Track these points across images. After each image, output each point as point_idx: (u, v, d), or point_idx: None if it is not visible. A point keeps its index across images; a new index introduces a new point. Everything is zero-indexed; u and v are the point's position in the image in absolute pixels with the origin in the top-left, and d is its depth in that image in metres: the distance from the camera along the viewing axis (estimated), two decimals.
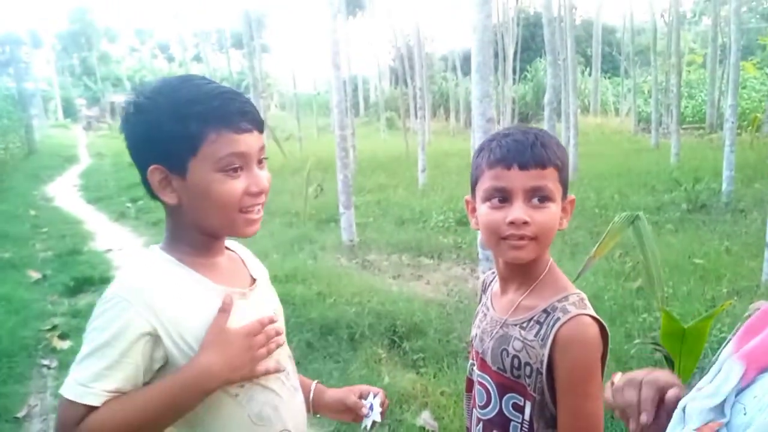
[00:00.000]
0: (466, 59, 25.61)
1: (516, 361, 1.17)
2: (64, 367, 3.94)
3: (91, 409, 0.97)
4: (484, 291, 1.40)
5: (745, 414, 0.67)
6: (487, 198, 1.17)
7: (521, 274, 1.22)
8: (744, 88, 17.50)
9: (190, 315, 1.05)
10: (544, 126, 8.95)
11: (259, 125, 1.07)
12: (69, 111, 44.44)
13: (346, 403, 1.31)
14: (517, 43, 19.93)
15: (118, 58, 54.80)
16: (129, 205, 10.33)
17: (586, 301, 1.17)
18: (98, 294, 5.62)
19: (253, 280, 1.21)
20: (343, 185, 6.78)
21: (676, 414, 0.77)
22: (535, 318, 1.17)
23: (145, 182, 1.08)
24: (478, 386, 1.27)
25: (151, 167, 1.04)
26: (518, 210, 1.12)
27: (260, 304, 1.17)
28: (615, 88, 26.68)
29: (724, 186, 8.10)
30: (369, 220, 8.02)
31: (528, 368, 1.15)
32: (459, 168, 12.35)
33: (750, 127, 13.94)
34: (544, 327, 1.14)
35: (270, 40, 40.81)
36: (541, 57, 28.25)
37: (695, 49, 27.91)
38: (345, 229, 6.83)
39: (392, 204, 9.05)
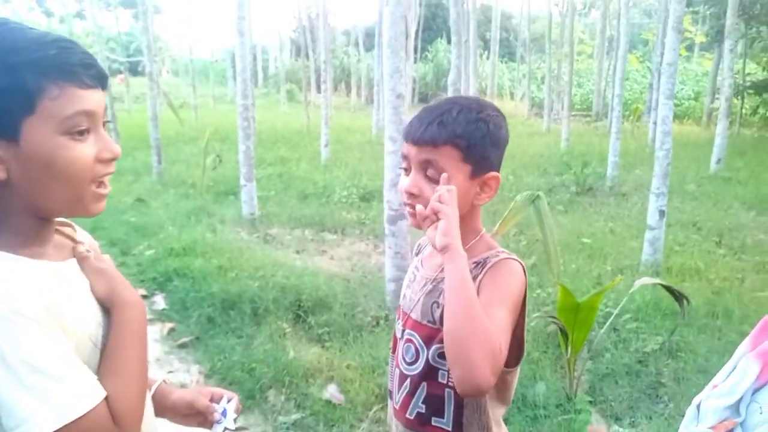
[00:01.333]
0: (369, 35, 25.57)
1: None
2: None
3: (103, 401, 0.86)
4: (416, 254, 1.44)
5: (761, 413, 0.68)
6: (401, 165, 1.25)
7: None
8: (627, 79, 18.71)
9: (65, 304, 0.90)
10: None
11: (103, 81, 0.91)
12: None
13: (196, 406, 1.17)
14: (419, 23, 20.09)
15: None
16: None
17: (516, 257, 1.23)
18: None
19: None
20: (244, 156, 6.59)
21: (691, 411, 0.78)
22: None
23: None
24: (406, 343, 1.30)
25: None
26: (408, 181, 1.20)
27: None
28: (511, 73, 27.66)
29: (609, 171, 8.67)
30: (270, 193, 7.86)
31: None
32: (361, 144, 12.36)
33: (632, 117, 14.97)
34: (476, 271, 1.18)
35: (161, 0, 38.62)
36: (441, 37, 28.75)
37: (584, 39, 29.44)
38: (246, 202, 6.65)
39: (294, 178, 8.92)
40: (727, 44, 10.20)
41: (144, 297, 4.42)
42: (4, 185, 0.86)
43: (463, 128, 1.17)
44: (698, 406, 0.78)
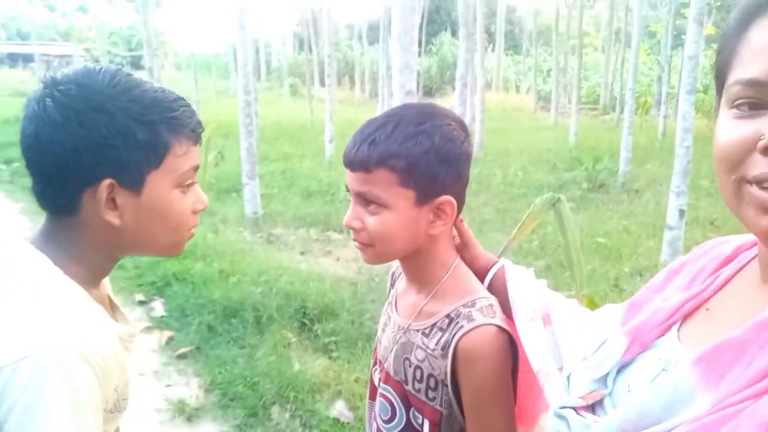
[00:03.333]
0: (371, 28, 25.32)
1: (418, 373, 1.05)
2: None
3: None
4: (392, 285, 1.24)
5: (629, 391, 0.69)
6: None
7: (418, 274, 1.09)
8: None
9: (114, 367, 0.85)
10: (455, 101, 8.90)
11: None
12: None
13: None
14: (423, 15, 19.87)
15: None
16: (2, 167, 9.34)
17: (496, 308, 1.02)
18: None
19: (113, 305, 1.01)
20: (247, 154, 6.39)
21: (562, 382, 0.78)
22: (438, 324, 1.03)
23: (61, 196, 0.86)
24: (381, 398, 1.13)
25: (107, 181, 0.84)
26: (348, 214, 1.04)
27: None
28: (516, 66, 27.41)
29: (621, 166, 8.44)
30: (274, 191, 7.67)
31: (432, 380, 1.03)
32: None
33: (640, 110, 14.71)
34: (447, 334, 1.00)
35: None
36: (445, 30, 28.49)
37: (589, 32, 29.12)
38: (249, 200, 6.46)
39: (298, 175, 8.72)
40: None
41: (142, 303, 4.24)
42: (110, 228, 0.87)
43: (399, 145, 0.96)
44: (568, 378, 0.77)
